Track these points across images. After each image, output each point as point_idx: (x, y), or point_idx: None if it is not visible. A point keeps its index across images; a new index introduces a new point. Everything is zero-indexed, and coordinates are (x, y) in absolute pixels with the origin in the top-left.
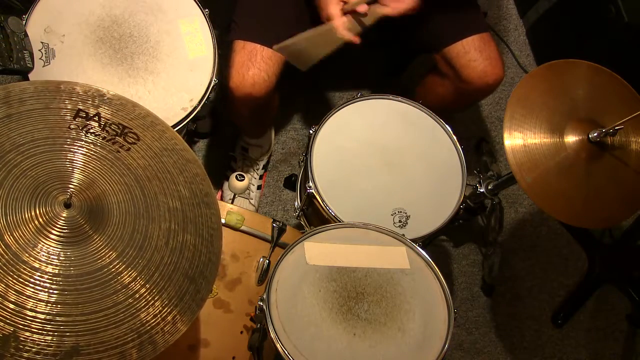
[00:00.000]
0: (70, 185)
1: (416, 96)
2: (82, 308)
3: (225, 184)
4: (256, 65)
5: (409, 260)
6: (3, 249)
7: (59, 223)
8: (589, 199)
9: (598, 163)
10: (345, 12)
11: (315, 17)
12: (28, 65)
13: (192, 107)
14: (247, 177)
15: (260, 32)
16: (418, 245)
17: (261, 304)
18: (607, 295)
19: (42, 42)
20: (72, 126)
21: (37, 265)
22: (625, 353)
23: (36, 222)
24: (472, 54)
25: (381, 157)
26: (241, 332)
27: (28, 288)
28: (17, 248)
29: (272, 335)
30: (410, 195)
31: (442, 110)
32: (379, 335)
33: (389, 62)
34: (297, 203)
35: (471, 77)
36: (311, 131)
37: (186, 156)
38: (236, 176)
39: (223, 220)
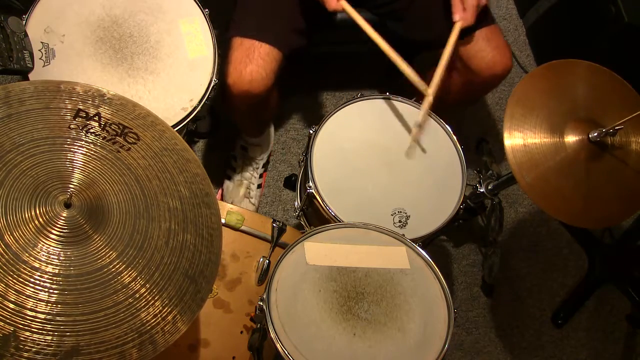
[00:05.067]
0: (70, 185)
1: None
2: (82, 308)
3: (226, 183)
4: (254, 61)
5: (409, 260)
6: (3, 249)
7: (59, 223)
8: (589, 199)
9: (598, 163)
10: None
11: (313, 13)
12: (28, 65)
13: (192, 107)
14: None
15: (257, 29)
16: (418, 245)
17: (261, 304)
18: (607, 295)
19: (42, 42)
20: (72, 126)
21: (37, 265)
22: (625, 353)
23: (36, 222)
24: (480, 44)
25: (381, 157)
26: (241, 332)
27: (28, 288)
28: (17, 248)
29: (272, 335)
30: (410, 195)
31: (452, 104)
32: (379, 335)
33: (389, 62)
34: (297, 203)
35: (480, 67)
36: (311, 131)
37: (186, 156)
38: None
39: (223, 220)
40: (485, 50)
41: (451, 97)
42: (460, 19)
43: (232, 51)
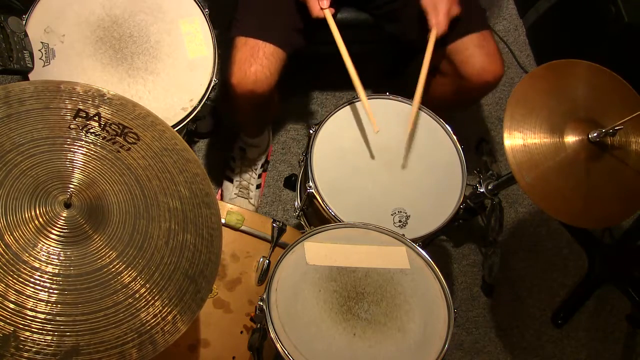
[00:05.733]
0: (70, 185)
1: None
2: (82, 308)
3: (225, 184)
4: (258, 61)
5: (409, 260)
6: (3, 249)
7: (59, 223)
8: (588, 199)
9: (598, 163)
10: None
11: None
12: (28, 65)
13: (192, 107)
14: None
15: (262, 28)
16: (418, 245)
17: (261, 304)
18: (607, 295)
19: (42, 42)
20: (72, 126)
21: (37, 265)
22: (625, 353)
23: (36, 222)
24: (470, 50)
25: (381, 157)
26: (241, 332)
27: (28, 288)
28: (17, 248)
29: (272, 335)
30: (410, 195)
31: (444, 109)
32: (379, 335)
33: (388, 62)
34: (297, 203)
35: (470, 74)
36: (311, 131)
37: (186, 156)
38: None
39: (223, 220)
40: (475, 57)
41: (442, 103)
42: (434, 25)
43: (235, 51)
